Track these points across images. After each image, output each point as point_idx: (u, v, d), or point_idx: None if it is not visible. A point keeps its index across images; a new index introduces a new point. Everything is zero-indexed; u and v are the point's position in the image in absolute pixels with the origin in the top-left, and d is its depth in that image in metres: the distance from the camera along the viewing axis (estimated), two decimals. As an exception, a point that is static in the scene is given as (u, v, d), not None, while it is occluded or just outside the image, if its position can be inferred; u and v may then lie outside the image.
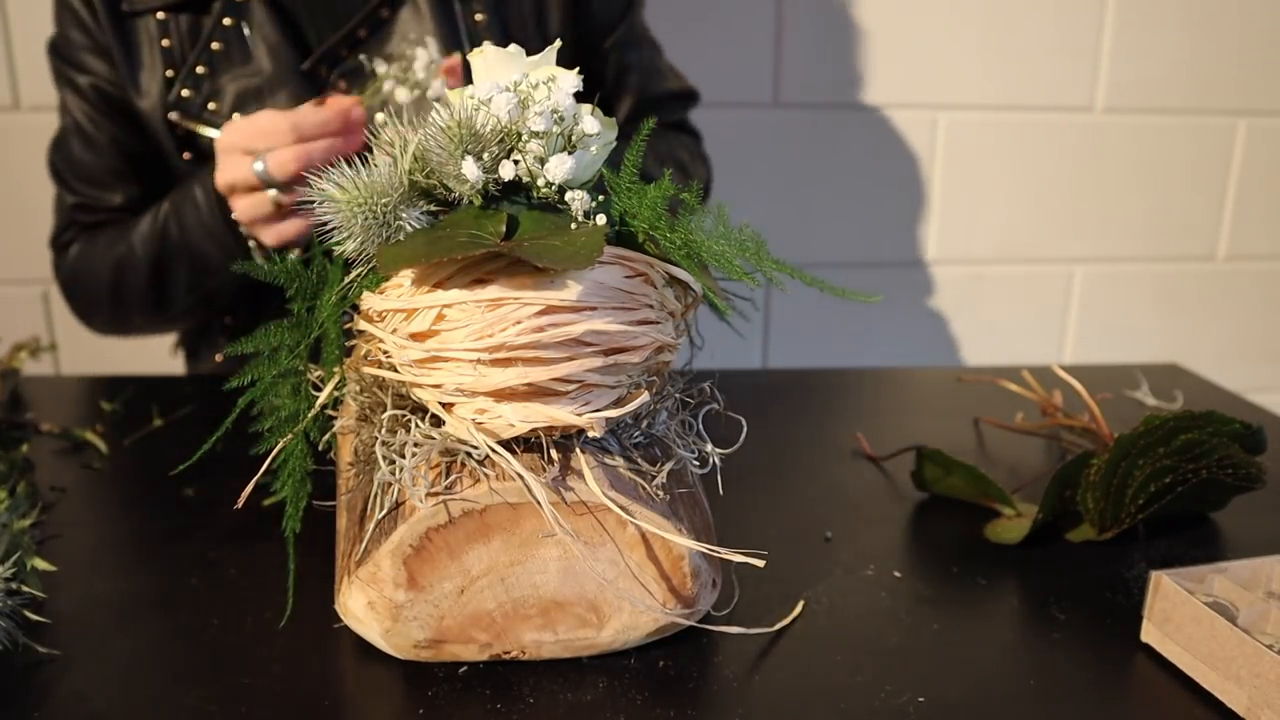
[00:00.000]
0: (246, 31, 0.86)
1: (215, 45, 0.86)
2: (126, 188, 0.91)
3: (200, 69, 0.86)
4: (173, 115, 0.86)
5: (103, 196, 0.91)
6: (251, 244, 0.82)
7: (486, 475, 0.46)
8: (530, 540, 0.48)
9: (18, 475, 0.66)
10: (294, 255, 0.71)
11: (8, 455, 0.68)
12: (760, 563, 0.46)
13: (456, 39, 0.88)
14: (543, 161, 0.47)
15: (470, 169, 0.46)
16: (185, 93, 0.86)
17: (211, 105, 0.86)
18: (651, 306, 0.48)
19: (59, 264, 0.95)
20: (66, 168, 0.92)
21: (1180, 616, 0.50)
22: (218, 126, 0.85)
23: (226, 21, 0.86)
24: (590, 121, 0.48)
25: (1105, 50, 1.39)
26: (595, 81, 0.99)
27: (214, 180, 0.79)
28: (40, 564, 0.56)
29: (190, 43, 0.87)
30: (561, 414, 0.45)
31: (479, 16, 0.90)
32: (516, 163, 0.47)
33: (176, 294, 0.88)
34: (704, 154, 1.06)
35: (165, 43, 0.86)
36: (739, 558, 0.47)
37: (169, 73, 0.87)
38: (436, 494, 0.46)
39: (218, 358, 0.98)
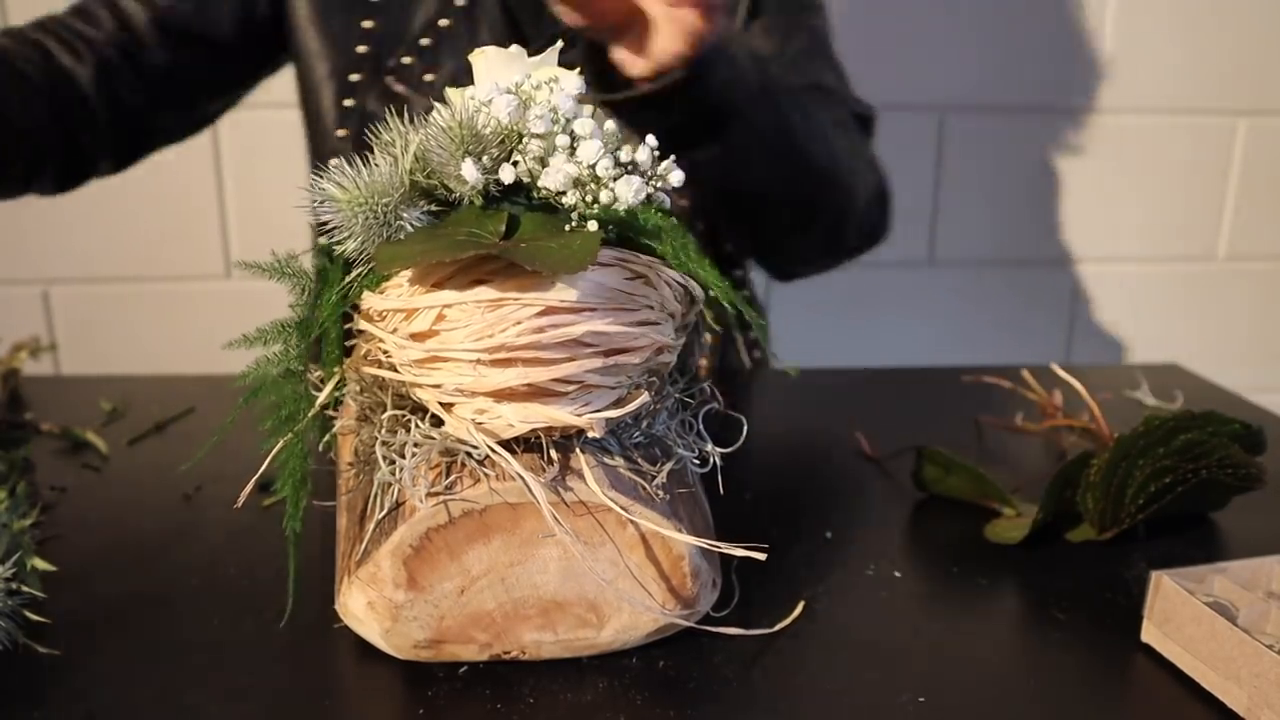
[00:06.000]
0: (478, 14, 0.88)
1: (443, 22, 0.88)
2: (168, 39, 0.88)
3: (425, 41, 0.88)
4: (392, 81, 0.87)
5: (138, 17, 0.87)
6: None
7: (486, 475, 0.46)
8: (530, 540, 0.48)
9: (18, 475, 0.66)
10: None
11: (8, 455, 0.68)
12: (761, 556, 0.46)
13: None
14: (543, 163, 0.47)
15: (470, 170, 0.46)
16: (407, 60, 0.86)
17: (429, 77, 0.88)
18: (652, 307, 0.48)
19: None
20: None
21: (1180, 616, 0.50)
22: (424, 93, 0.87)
23: (460, 1, 0.88)
24: (589, 123, 0.48)
25: (1106, 50, 1.39)
26: None
27: None
28: (40, 564, 0.56)
29: (408, 10, 0.88)
30: (561, 414, 0.45)
31: None
32: (516, 164, 0.47)
33: None
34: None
35: None
36: (740, 551, 0.47)
37: (366, 23, 0.88)
38: (436, 494, 0.46)
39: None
